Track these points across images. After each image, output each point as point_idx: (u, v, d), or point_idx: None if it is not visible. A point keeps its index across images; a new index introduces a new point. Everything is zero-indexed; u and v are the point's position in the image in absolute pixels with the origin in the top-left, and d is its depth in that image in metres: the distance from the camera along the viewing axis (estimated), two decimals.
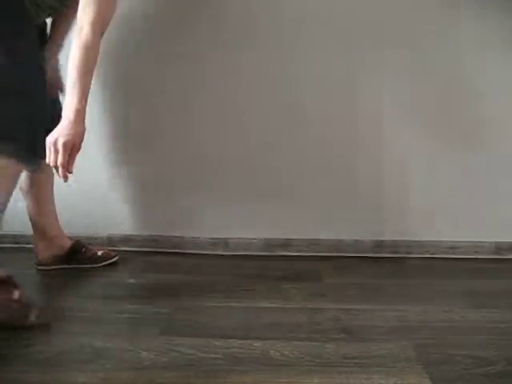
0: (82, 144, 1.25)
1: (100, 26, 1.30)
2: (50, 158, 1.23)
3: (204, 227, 1.79)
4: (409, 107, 1.71)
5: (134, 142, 1.78)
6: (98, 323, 1.26)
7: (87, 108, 1.27)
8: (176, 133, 1.76)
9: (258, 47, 1.69)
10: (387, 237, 1.78)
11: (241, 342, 1.16)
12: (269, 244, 1.80)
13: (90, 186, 1.78)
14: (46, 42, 1.55)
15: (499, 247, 1.76)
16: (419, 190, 1.74)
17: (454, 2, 1.64)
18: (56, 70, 1.57)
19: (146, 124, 1.75)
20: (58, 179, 1.73)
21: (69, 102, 1.26)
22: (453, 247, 1.77)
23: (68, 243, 1.65)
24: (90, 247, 1.69)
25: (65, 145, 1.22)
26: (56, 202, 1.64)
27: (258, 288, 1.48)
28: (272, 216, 1.79)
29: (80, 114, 1.25)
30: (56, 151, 1.22)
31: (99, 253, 1.68)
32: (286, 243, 1.80)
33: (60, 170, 1.23)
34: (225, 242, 1.81)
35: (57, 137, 1.22)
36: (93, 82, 1.29)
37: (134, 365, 1.07)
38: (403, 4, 1.65)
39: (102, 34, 1.32)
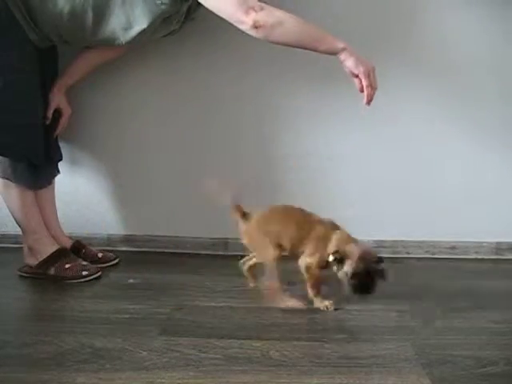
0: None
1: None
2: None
3: (204, 227, 1.79)
4: (407, 109, 1.71)
5: (135, 142, 1.77)
6: (98, 323, 1.26)
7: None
8: (175, 133, 1.76)
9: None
10: (387, 237, 1.77)
11: (241, 341, 1.16)
12: None
13: (90, 185, 1.78)
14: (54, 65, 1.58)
15: (499, 247, 1.76)
16: (419, 190, 1.74)
17: None
18: (63, 98, 1.58)
19: (146, 125, 1.75)
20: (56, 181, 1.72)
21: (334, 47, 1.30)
22: (453, 247, 1.77)
23: (68, 243, 1.65)
24: (90, 248, 1.68)
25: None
26: (56, 201, 1.64)
27: (257, 288, 1.48)
28: None
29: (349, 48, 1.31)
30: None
31: (99, 254, 1.67)
32: None
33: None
34: (225, 242, 1.81)
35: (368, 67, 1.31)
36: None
37: (133, 365, 1.07)
38: None
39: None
